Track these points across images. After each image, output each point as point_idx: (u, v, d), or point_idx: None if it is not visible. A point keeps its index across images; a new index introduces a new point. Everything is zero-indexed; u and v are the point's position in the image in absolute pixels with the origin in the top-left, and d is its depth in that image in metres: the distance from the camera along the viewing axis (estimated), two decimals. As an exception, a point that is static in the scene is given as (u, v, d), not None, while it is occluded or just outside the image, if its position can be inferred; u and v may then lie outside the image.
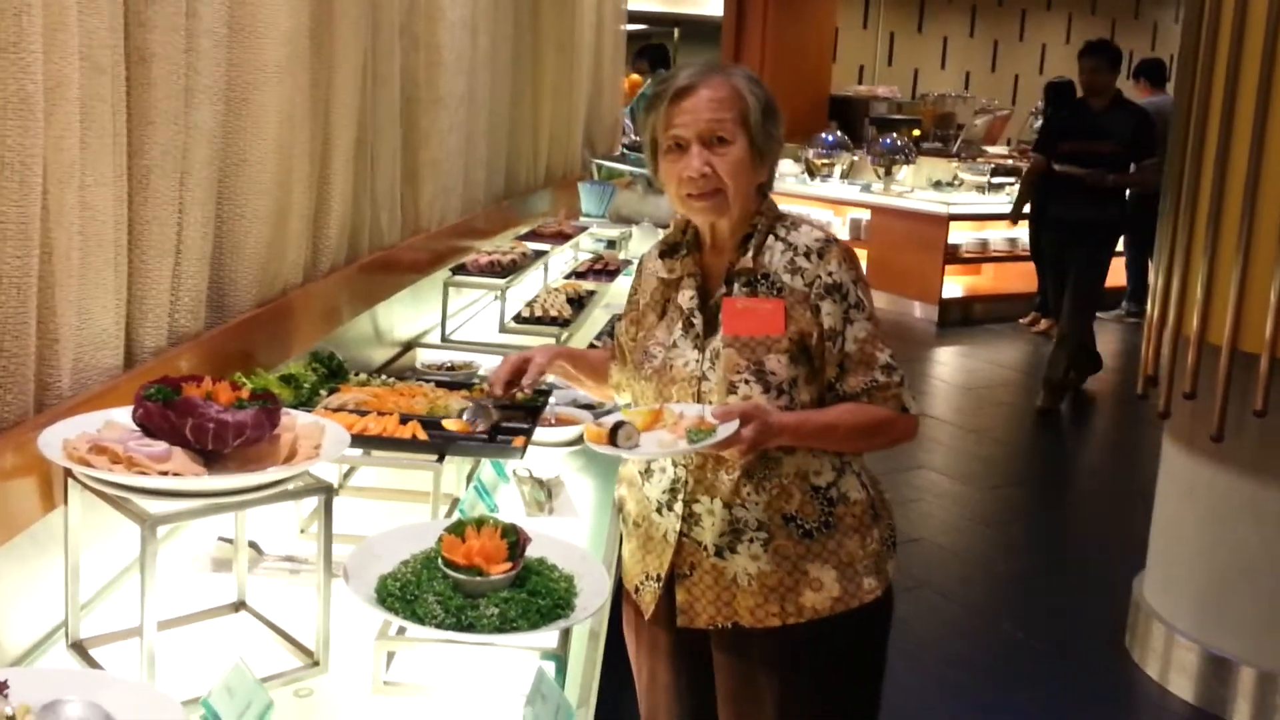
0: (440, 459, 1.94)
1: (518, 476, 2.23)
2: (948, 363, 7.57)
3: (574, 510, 2.16)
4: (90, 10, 1.54)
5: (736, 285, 1.85)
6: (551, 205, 4.97)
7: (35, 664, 1.49)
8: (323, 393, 2.12)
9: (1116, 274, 7.42)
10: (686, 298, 1.90)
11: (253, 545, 1.83)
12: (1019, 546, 4.77)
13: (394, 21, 2.81)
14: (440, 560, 1.54)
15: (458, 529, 1.57)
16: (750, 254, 1.84)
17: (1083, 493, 5.59)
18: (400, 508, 2.13)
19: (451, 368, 3.11)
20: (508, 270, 3.45)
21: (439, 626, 1.45)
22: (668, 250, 1.96)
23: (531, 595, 1.52)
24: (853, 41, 12.97)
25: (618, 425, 1.70)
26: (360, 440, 1.93)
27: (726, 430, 1.66)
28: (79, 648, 1.51)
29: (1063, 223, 6.35)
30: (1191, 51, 3.31)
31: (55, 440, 1.39)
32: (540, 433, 2.52)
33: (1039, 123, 9.10)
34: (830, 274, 1.82)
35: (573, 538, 2.09)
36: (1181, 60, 3.44)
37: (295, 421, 1.55)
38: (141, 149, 1.73)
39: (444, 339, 3.38)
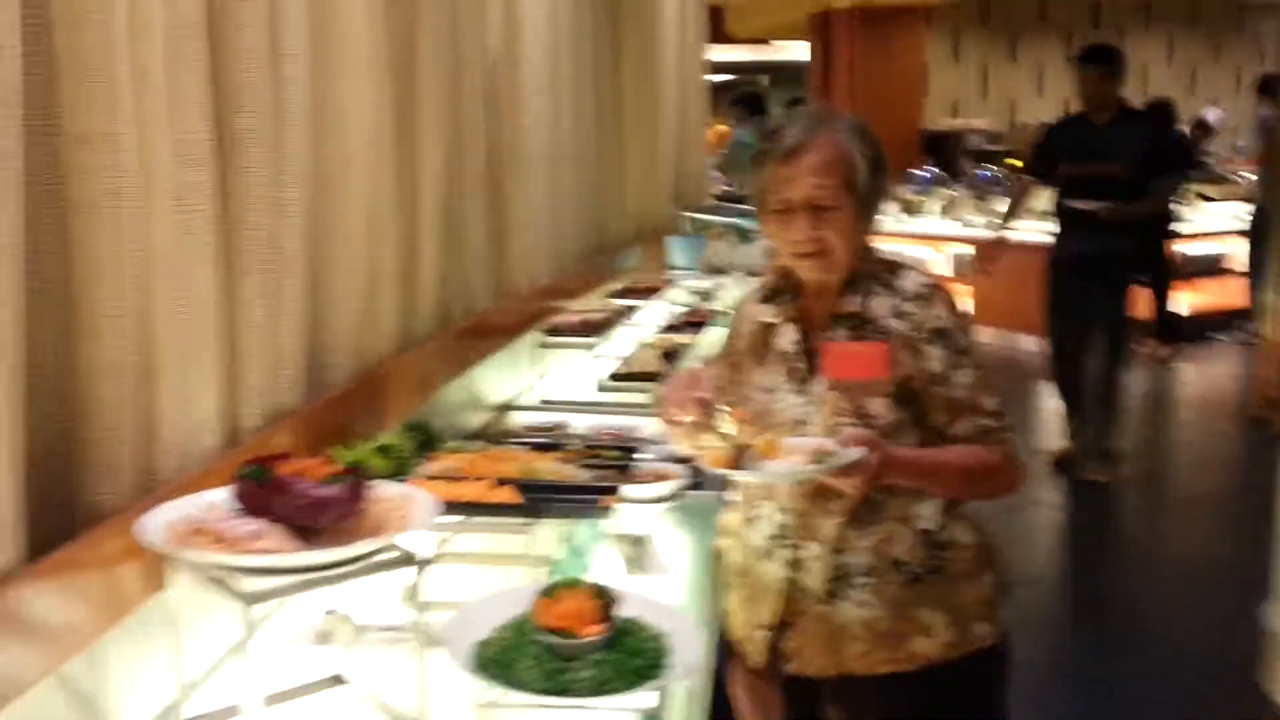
0: (532, 524, 1.95)
1: (611, 535, 2.23)
2: (1060, 395, 7.36)
3: (663, 567, 2.15)
4: (182, 102, 1.61)
5: (839, 329, 1.84)
6: (642, 260, 5.01)
7: (147, 744, 1.54)
8: (418, 461, 2.15)
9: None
10: (788, 341, 1.90)
11: (353, 618, 1.86)
12: (1141, 582, 4.58)
13: (477, 90, 2.88)
14: (533, 624, 1.54)
15: (549, 592, 1.58)
16: (854, 298, 1.84)
17: (1206, 522, 5.34)
18: (500, 572, 2.14)
19: (547, 429, 3.13)
20: (599, 329, 3.48)
21: (535, 691, 1.45)
22: (769, 295, 1.96)
23: (626, 655, 1.51)
24: (944, 75, 12.84)
25: (741, 449, 1.69)
26: (454, 507, 1.95)
27: (852, 455, 1.64)
28: (188, 725, 1.55)
29: (1084, 258, 5.31)
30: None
31: (158, 524, 1.44)
32: (633, 489, 2.52)
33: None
34: (938, 319, 1.81)
35: (666, 594, 2.08)
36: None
37: (386, 493, 1.58)
38: (236, 233, 1.80)
39: (539, 401, 3.41)
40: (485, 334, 3.09)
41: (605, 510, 2.00)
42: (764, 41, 15.05)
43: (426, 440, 2.27)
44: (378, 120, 2.24)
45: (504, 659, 1.49)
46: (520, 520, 1.95)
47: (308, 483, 1.46)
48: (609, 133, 4.51)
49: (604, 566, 2.15)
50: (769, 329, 1.94)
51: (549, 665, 1.48)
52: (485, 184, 3.05)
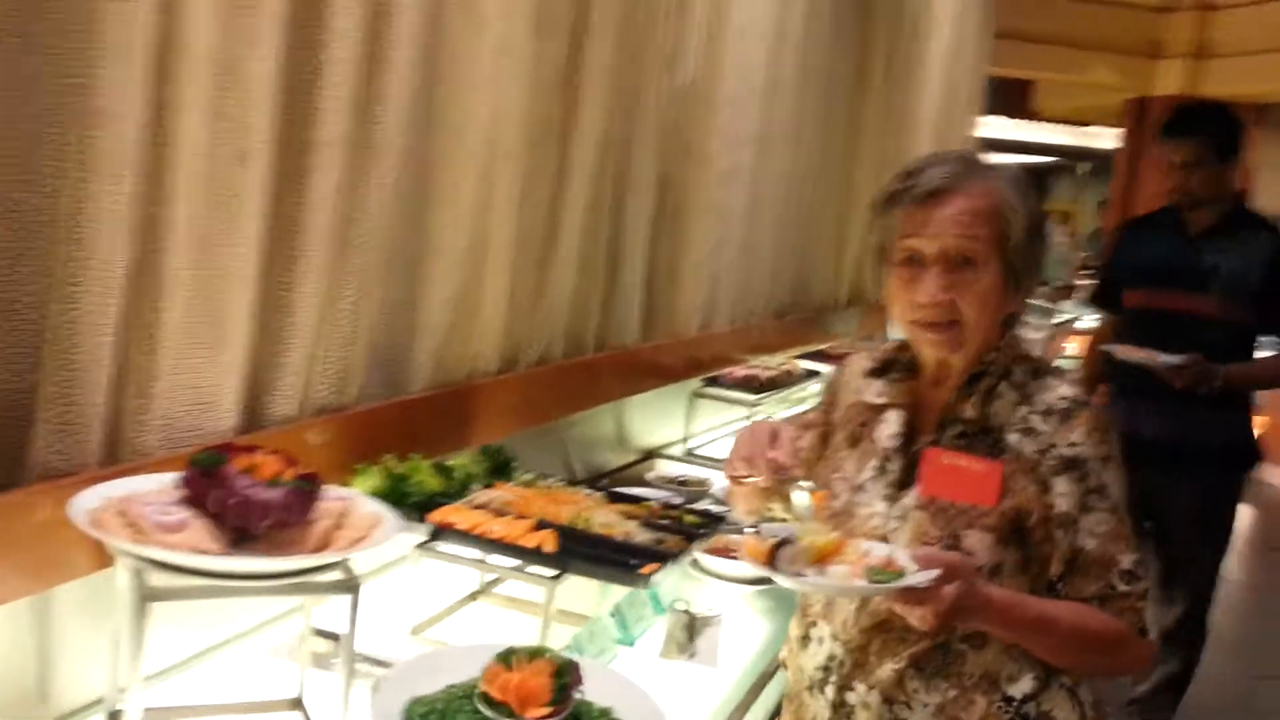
0: (556, 576, 1.73)
1: (673, 609, 1.98)
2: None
3: (714, 660, 1.87)
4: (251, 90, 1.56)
5: (948, 434, 1.50)
6: (859, 325, 4.68)
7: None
8: (476, 487, 1.99)
9: None
10: (887, 434, 1.56)
11: (334, 637, 1.71)
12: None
13: (649, 125, 2.71)
14: (477, 692, 1.33)
15: (506, 658, 1.37)
16: (975, 399, 1.49)
17: None
18: (532, 623, 1.94)
19: (683, 483, 2.91)
20: (764, 387, 3.23)
21: (443, 769, 1.25)
22: (879, 369, 1.63)
23: (565, 752, 1.28)
24: (1275, 181, 11.58)
25: (782, 542, 1.37)
26: (480, 541, 1.78)
27: (921, 579, 1.29)
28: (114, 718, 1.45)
29: (1143, 444, 3.02)
30: None
31: (94, 498, 1.34)
32: (723, 565, 2.27)
33: None
34: (1072, 444, 1.45)
35: (711, 690, 1.81)
36: None
37: (346, 508, 1.42)
38: (288, 221, 1.71)
39: (686, 452, 3.19)
40: (630, 371, 2.91)
41: (644, 578, 1.75)
42: (1083, 123, 14.14)
43: (497, 467, 2.10)
44: (495, 130, 2.11)
45: (427, 723, 1.30)
46: (543, 570, 1.74)
47: (250, 481, 1.33)
48: (833, 192, 4.22)
49: (650, 643, 1.91)
50: (871, 408, 1.61)
51: (471, 742, 1.27)
52: (656, 219, 2.88)
